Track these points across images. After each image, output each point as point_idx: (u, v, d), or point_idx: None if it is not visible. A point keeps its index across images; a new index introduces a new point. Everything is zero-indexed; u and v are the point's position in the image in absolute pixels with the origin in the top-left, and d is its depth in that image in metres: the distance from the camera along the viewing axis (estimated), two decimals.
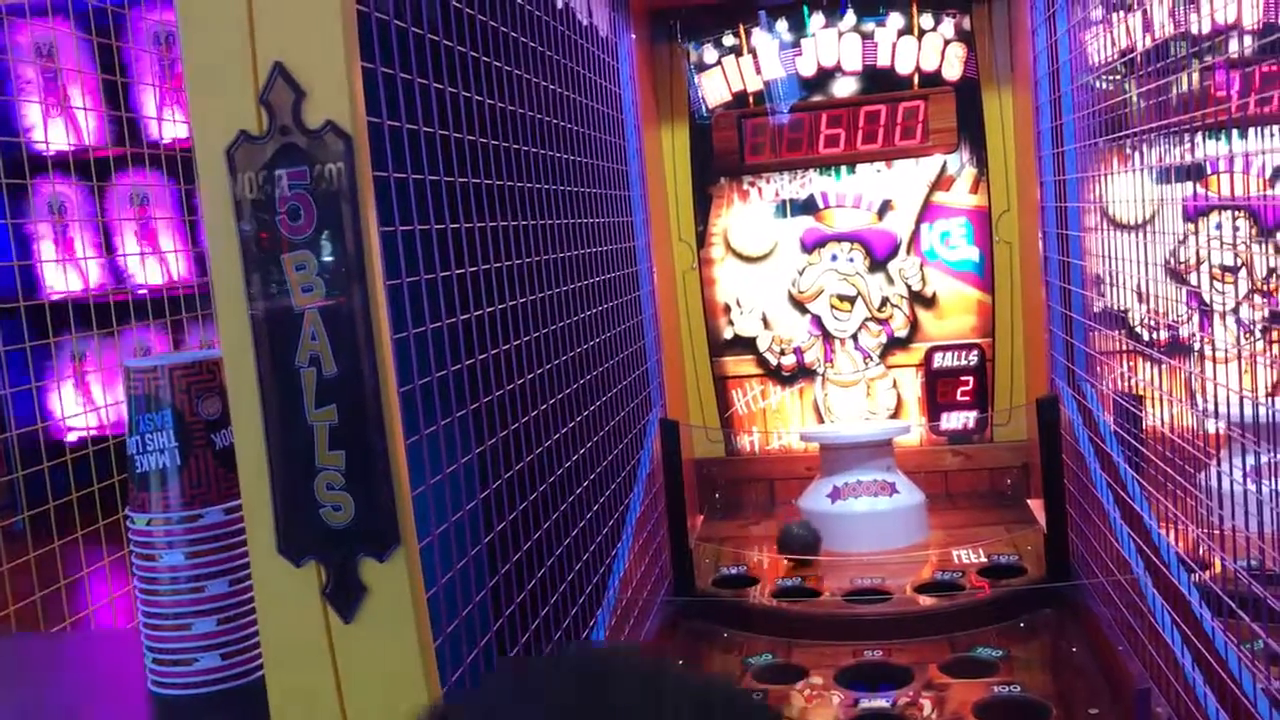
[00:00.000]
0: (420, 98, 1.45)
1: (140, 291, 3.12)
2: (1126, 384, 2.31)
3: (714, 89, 3.30)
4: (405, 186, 1.35)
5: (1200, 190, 2.87)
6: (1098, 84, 2.40)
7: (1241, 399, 1.71)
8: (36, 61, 3.61)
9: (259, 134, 0.89)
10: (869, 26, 3.22)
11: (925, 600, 2.65)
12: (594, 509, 2.21)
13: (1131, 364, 2.35)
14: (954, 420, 3.32)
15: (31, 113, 3.64)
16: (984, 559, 2.82)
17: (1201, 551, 1.87)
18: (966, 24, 3.19)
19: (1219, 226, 2.95)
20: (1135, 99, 2.18)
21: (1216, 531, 1.79)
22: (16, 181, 2.39)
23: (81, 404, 3.65)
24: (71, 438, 3.00)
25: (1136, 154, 2.34)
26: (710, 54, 3.29)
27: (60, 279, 3.95)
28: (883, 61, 3.21)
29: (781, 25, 3.24)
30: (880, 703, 2.25)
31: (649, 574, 2.58)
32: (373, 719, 0.93)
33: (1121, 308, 2.39)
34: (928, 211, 3.27)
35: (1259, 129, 2.45)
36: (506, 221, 2.15)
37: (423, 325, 1.49)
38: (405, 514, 0.92)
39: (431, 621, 1.49)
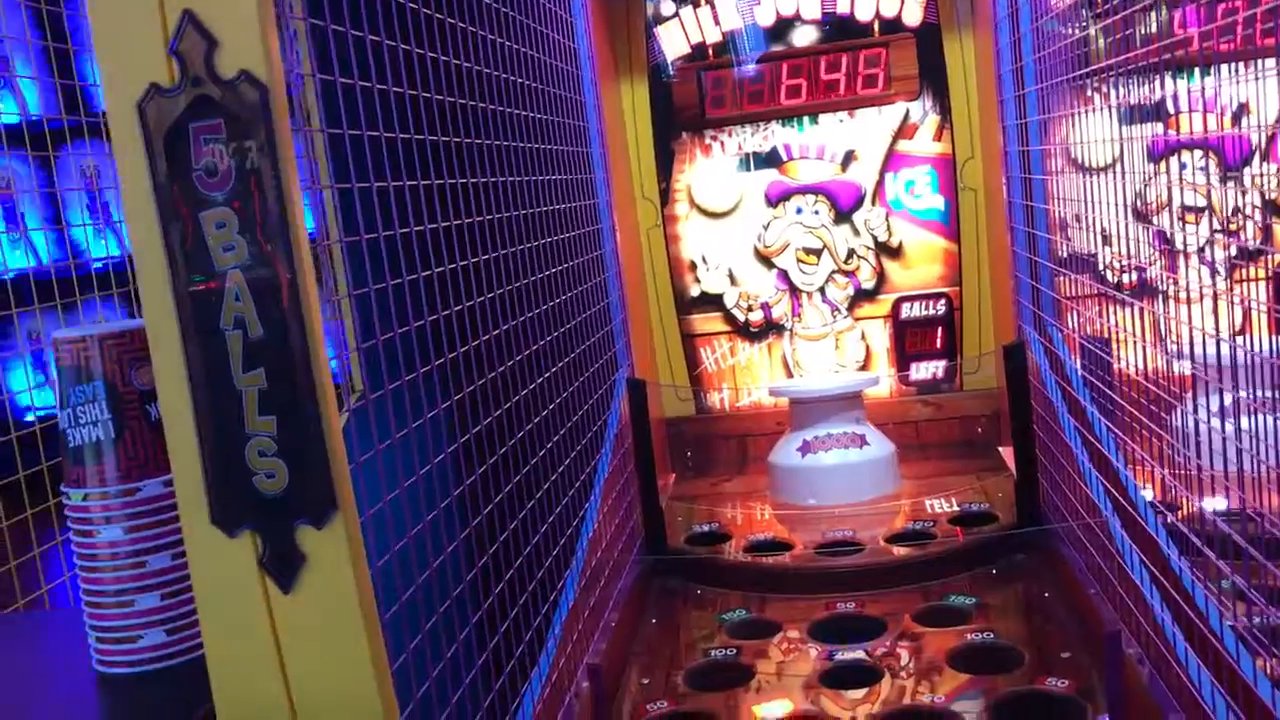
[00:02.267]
0: (372, 55, 1.41)
1: (95, 265, 3.06)
2: (1094, 328, 2.30)
3: (673, 41, 3.25)
4: (359, 144, 1.31)
5: (1165, 130, 2.85)
6: (1058, 25, 2.37)
7: (1205, 339, 1.69)
8: None
9: (170, 86, 0.85)
10: None
11: (897, 550, 2.64)
12: (559, 470, 2.19)
13: (1099, 307, 2.33)
14: (923, 370, 3.31)
15: None
16: (955, 507, 2.82)
17: (1171, 493, 1.87)
18: None
19: (1184, 166, 2.93)
20: (1096, 37, 2.15)
21: (1185, 472, 1.78)
22: None
23: (43, 381, 3.59)
24: (30, 417, 2.96)
25: (1099, 95, 2.32)
26: (667, 6, 3.23)
27: (12, 255, 3.88)
28: (842, 9, 3.17)
29: None
30: (855, 654, 2.24)
31: (620, 534, 2.57)
32: (316, 689, 0.90)
33: (1088, 251, 2.37)
34: (892, 161, 3.23)
35: (1223, 66, 2.43)
36: (462, 179, 2.11)
37: (382, 283, 1.46)
38: (342, 479, 0.89)
39: (388, 587, 1.46)
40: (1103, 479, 2.11)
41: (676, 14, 3.23)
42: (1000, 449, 3.11)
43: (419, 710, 1.44)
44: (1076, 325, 2.38)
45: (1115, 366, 2.14)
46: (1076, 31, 2.24)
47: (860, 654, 2.25)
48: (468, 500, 1.90)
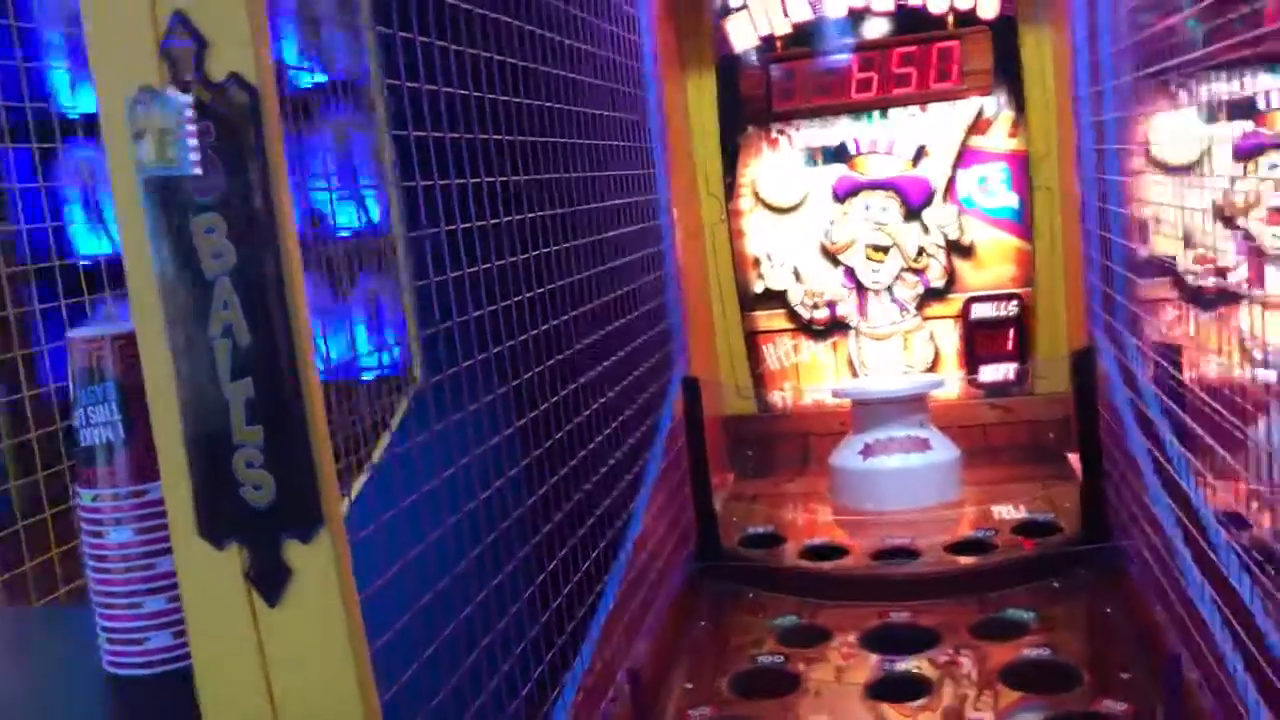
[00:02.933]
0: (437, 57, 1.40)
1: None
2: (1170, 336, 2.20)
3: (741, 33, 3.19)
4: (424, 144, 1.31)
5: (1253, 128, 2.72)
6: (1139, 17, 2.26)
7: None
8: (65, 28, 3.60)
9: (160, 88, 0.84)
10: None
11: (956, 559, 2.57)
12: (607, 467, 2.16)
13: (1177, 314, 2.23)
14: (993, 373, 3.21)
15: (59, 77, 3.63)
16: (1019, 516, 2.73)
17: (1245, 512, 1.77)
18: None
19: (1274, 166, 2.80)
20: (1184, 31, 2.05)
21: (1264, 491, 1.69)
22: (47, 146, 2.38)
23: None
24: None
25: (1182, 91, 2.21)
26: None
27: (91, 242, 3.96)
28: (915, 0, 3.08)
29: None
30: (906, 666, 2.18)
31: (670, 535, 2.53)
32: (301, 704, 0.88)
33: (1167, 255, 2.27)
34: (964, 157, 3.14)
35: None
36: (519, 177, 2.09)
37: (443, 275, 1.45)
38: (329, 492, 0.87)
39: (423, 578, 1.45)
40: (1169, 494, 2.01)
41: (745, 6, 3.17)
42: (1070, 456, 3.01)
43: (447, 704, 1.43)
44: (1150, 333, 2.28)
45: (1189, 376, 2.05)
46: (1158, 23, 2.14)
47: (912, 665, 2.19)
48: (511, 493, 1.88)
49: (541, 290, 2.10)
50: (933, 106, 3.13)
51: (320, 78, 3.29)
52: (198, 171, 0.82)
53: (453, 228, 2.13)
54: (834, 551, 2.69)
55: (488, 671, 1.58)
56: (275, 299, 0.85)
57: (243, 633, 0.89)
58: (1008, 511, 2.77)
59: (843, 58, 3.15)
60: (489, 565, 1.71)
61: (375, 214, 3.32)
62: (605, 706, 1.94)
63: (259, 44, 0.83)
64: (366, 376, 3.29)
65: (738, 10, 3.18)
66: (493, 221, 2.07)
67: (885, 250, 3.23)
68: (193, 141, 0.83)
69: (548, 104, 2.20)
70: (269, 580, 0.88)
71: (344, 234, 3.42)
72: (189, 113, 0.81)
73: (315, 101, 3.32)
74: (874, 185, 3.20)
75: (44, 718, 1.08)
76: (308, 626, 0.88)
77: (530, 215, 2.11)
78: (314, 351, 0.87)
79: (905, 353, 3.26)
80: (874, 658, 2.25)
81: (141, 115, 0.81)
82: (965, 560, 2.57)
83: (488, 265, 2.05)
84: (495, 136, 2.03)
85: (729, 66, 3.21)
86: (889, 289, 3.25)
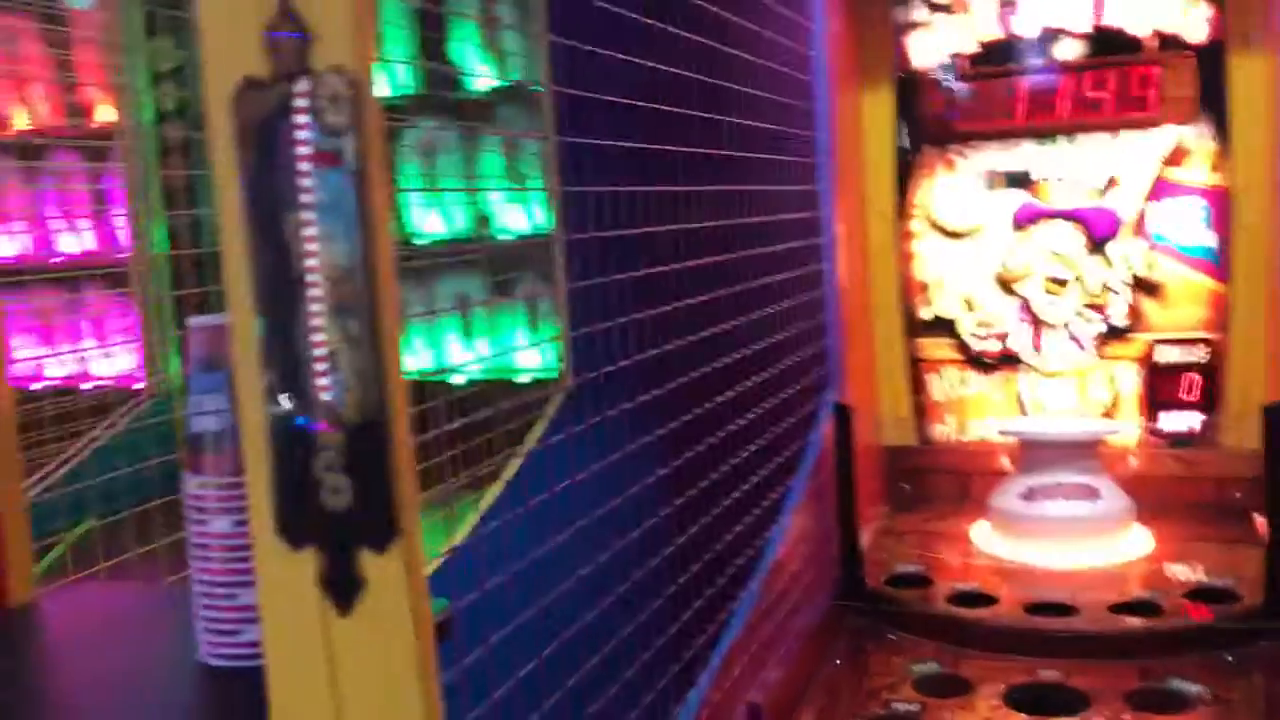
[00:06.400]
0: (601, 65, 1.38)
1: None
2: None
3: (923, 50, 3.07)
4: (589, 150, 1.29)
5: None
6: None
7: None
8: None
9: (263, 80, 0.82)
10: None
11: (1119, 619, 2.39)
12: (746, 486, 2.10)
13: None
14: (1176, 422, 2.99)
15: None
16: (1194, 580, 2.52)
17: None
18: None
19: None
20: None
21: None
22: None
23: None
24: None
25: None
26: (921, 11, 3.06)
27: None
28: (1114, 21, 2.90)
29: None
30: None
31: (809, 567, 2.44)
32: (365, 715, 0.86)
33: None
34: (1158, 189, 2.93)
35: None
36: (683, 187, 2.06)
37: (599, 279, 1.43)
38: (408, 504, 0.84)
39: (545, 581, 1.42)
40: None
41: (929, 21, 3.05)
42: (1258, 519, 2.77)
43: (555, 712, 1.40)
44: None
45: None
46: None
47: None
48: (646, 503, 1.84)
49: (695, 299, 2.06)
50: (1126, 134, 2.93)
51: (495, 82, 3.33)
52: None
53: (610, 234, 2.12)
54: (985, 599, 2.55)
55: (597, 687, 1.54)
56: (366, 297, 0.83)
57: (313, 638, 0.86)
58: (1182, 573, 2.57)
59: (1031, 79, 2.99)
60: (615, 576, 1.68)
61: (539, 217, 3.34)
62: None
63: (363, 38, 0.81)
64: (521, 379, 3.31)
65: (922, 26, 3.06)
66: (651, 229, 2.04)
67: (1065, 283, 3.05)
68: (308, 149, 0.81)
69: (712, 115, 2.16)
70: (342, 588, 0.85)
71: (507, 235, 3.46)
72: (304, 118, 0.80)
73: (488, 104, 3.37)
74: (1057, 214, 3.03)
75: (136, 698, 1.09)
76: (376, 641, 0.85)
77: (689, 226, 2.07)
78: (402, 356, 0.84)
79: (1080, 394, 3.07)
80: (1018, 716, 2.11)
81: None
82: (1129, 621, 2.38)
83: (643, 271, 2.02)
84: (658, 146, 2.01)
85: (909, 83, 3.09)
86: (1066, 325, 3.06)
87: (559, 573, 1.53)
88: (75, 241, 3.72)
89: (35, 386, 3.56)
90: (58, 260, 3.68)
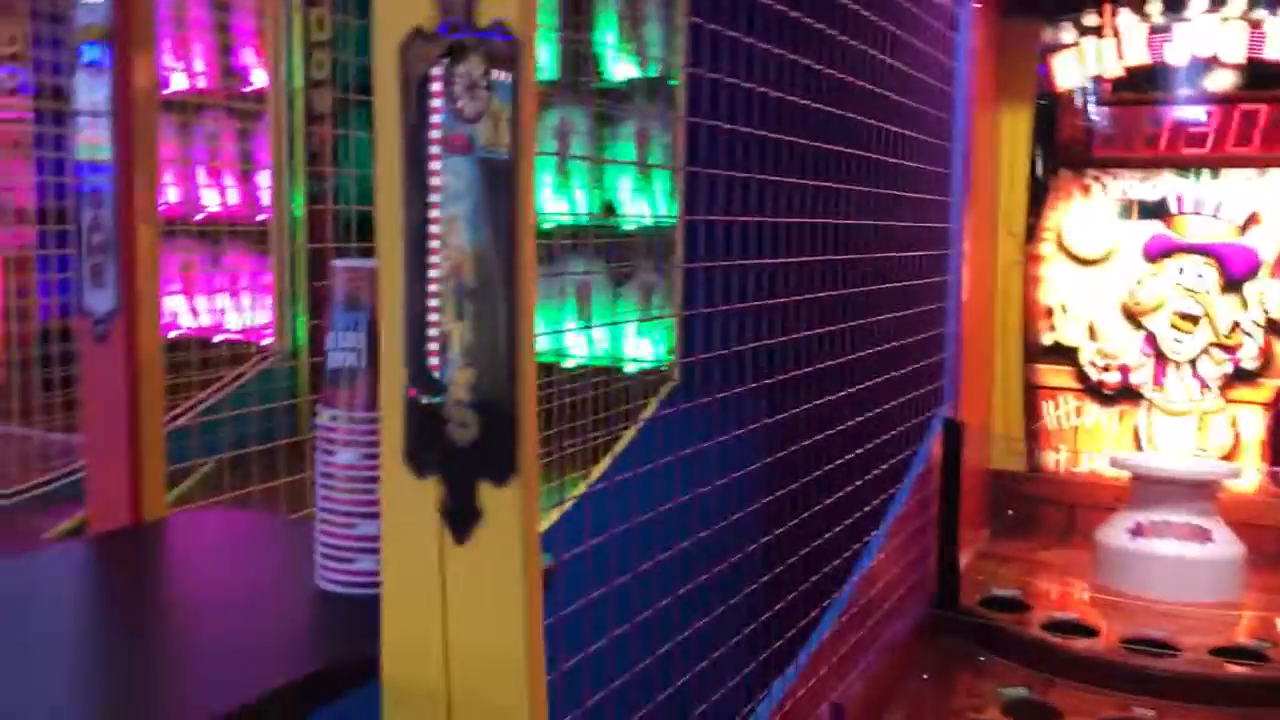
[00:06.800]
0: (743, 54, 1.41)
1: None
2: None
3: (1067, 72, 3.03)
4: (721, 141, 1.31)
5: None
6: None
7: None
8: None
9: (430, 31, 0.87)
10: (1260, 14, 2.82)
11: (1221, 664, 2.33)
12: (846, 491, 2.10)
13: None
14: None
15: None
16: None
17: None
18: None
19: None
20: None
21: None
22: None
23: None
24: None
25: None
26: (1068, 33, 3.01)
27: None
28: (1272, 54, 2.82)
29: (1154, 7, 2.91)
30: None
31: (904, 578, 2.42)
32: (470, 640, 0.89)
33: None
34: None
35: None
36: (811, 181, 2.06)
37: (716, 274, 1.45)
38: (528, 443, 0.87)
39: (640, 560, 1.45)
40: None
41: (1077, 43, 3.00)
42: None
43: (631, 687, 1.42)
44: None
45: None
46: None
47: None
48: (747, 493, 1.85)
49: (811, 297, 2.07)
50: (1274, 171, 2.85)
51: (633, 73, 3.38)
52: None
53: (733, 224, 2.14)
54: (1082, 630, 2.50)
55: (680, 663, 1.56)
56: (505, 241, 0.86)
57: (430, 564, 0.91)
58: None
59: (1177, 109, 2.92)
60: (710, 559, 1.69)
61: (662, 209, 3.37)
62: None
63: None
64: (630, 369, 3.35)
65: (1068, 47, 3.02)
66: (775, 219, 2.06)
67: (1195, 320, 2.97)
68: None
69: (850, 114, 2.16)
70: (460, 517, 0.89)
71: (629, 226, 3.50)
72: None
73: (625, 94, 3.42)
74: (1192, 249, 2.95)
75: (253, 610, 1.15)
76: (487, 570, 0.89)
77: (814, 221, 2.07)
78: (534, 306, 0.88)
79: (1200, 434, 2.99)
80: None
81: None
82: (1232, 667, 2.32)
83: (759, 261, 2.04)
84: (792, 139, 2.02)
85: (1049, 105, 3.05)
86: (1192, 362, 2.99)
87: (655, 547, 1.56)
88: (219, 199, 3.89)
89: (170, 335, 3.73)
90: (201, 216, 3.84)
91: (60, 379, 3.04)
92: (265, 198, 3.69)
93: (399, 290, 0.91)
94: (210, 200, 4.03)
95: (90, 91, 1.40)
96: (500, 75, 0.86)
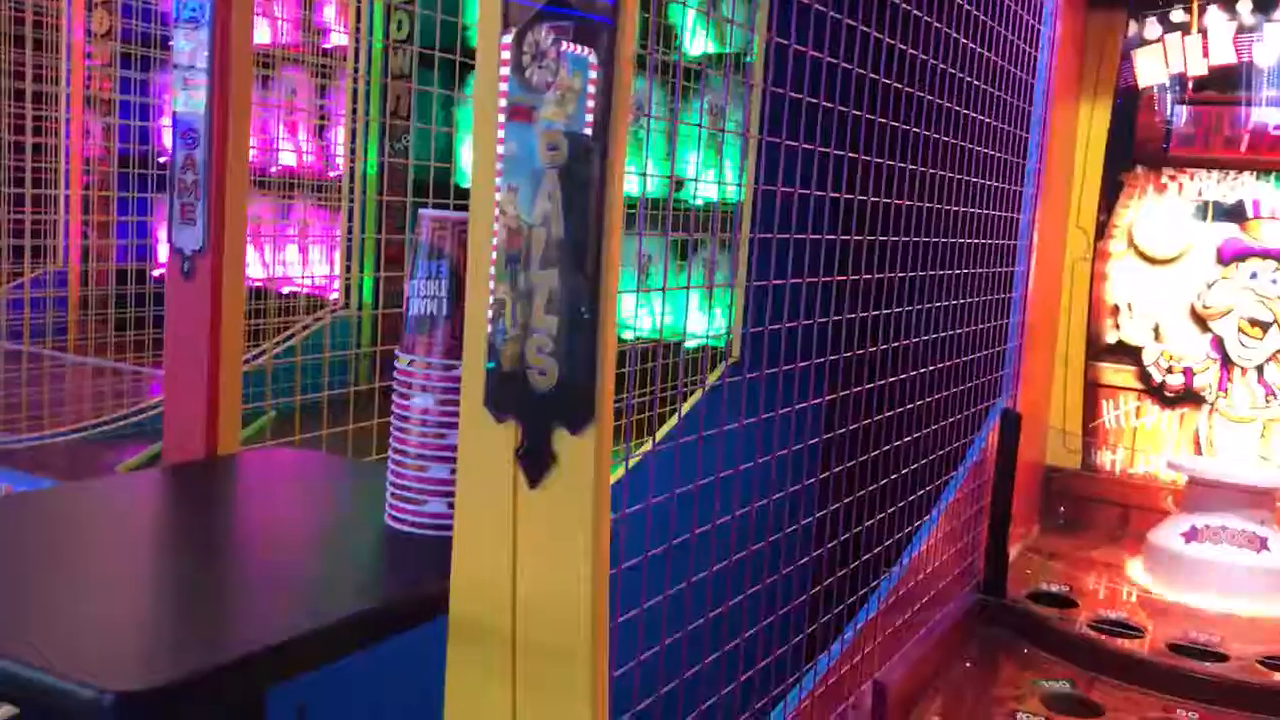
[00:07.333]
0: (828, 28, 1.41)
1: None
2: None
3: (1149, 68, 2.99)
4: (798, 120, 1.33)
5: None
6: None
7: None
8: None
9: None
10: None
11: (1269, 674, 2.31)
12: (900, 474, 2.10)
13: None
14: None
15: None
16: None
17: None
18: None
19: None
20: None
21: None
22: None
23: None
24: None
25: None
26: (1153, 28, 2.97)
27: None
28: None
29: (1244, 6, 2.86)
30: None
31: (953, 565, 2.43)
32: (539, 582, 0.92)
33: None
34: None
35: None
36: (886, 161, 2.06)
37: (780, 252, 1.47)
38: (605, 391, 0.90)
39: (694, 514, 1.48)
40: None
41: (1161, 39, 2.96)
42: None
43: (678, 648, 1.45)
44: None
45: None
46: None
47: None
48: (802, 467, 1.87)
49: (877, 276, 2.07)
50: None
51: (711, 49, 3.38)
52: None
53: (802, 196, 2.14)
54: (1129, 630, 2.49)
55: (728, 632, 1.59)
56: (594, 199, 0.88)
57: (502, 506, 0.93)
58: None
59: (1260, 110, 2.87)
60: (763, 530, 1.71)
61: (730, 187, 3.38)
62: (843, 709, 1.90)
63: None
64: (690, 344, 3.37)
65: (1152, 43, 2.98)
66: (846, 195, 2.06)
67: (1265, 327, 2.93)
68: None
69: (928, 96, 2.15)
70: (534, 462, 0.92)
71: (698, 203, 3.52)
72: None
73: (699, 70, 3.43)
74: (1267, 254, 2.91)
75: (322, 550, 1.19)
76: (559, 516, 0.91)
77: (885, 200, 2.07)
78: (618, 261, 0.90)
79: (1263, 442, 2.96)
80: None
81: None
82: (1279, 677, 2.30)
83: (831, 240, 2.04)
84: (870, 115, 2.02)
85: (1129, 100, 3.02)
86: (1259, 369, 2.95)
87: (711, 514, 1.58)
88: (295, 153, 3.96)
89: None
90: (276, 169, 3.91)
91: (133, 319, 3.11)
92: (339, 154, 3.75)
93: (487, 237, 0.93)
94: (286, 155, 4.10)
95: (188, 44, 1.44)
96: (597, 29, 0.88)
